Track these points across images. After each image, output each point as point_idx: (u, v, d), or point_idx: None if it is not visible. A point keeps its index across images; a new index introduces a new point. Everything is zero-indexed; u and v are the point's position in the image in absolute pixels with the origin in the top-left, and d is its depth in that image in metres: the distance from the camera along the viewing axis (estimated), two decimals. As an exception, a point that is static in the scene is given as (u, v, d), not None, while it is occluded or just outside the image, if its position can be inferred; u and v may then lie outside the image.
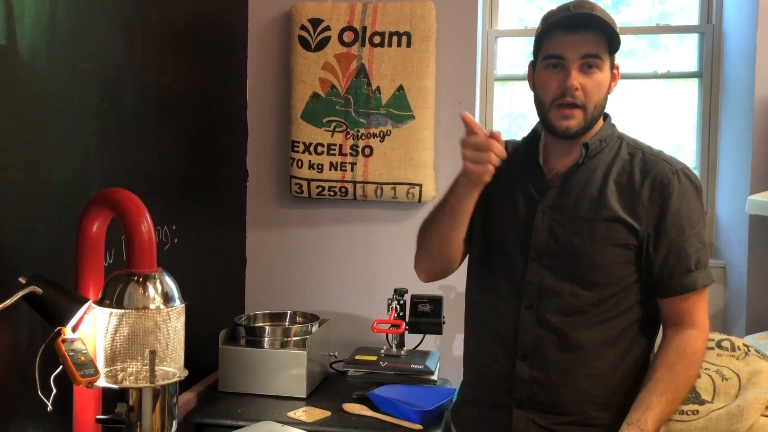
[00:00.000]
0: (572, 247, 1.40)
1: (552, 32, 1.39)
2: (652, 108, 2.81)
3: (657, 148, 1.48)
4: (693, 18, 2.74)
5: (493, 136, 1.33)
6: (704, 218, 1.43)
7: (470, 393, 1.54)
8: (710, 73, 2.69)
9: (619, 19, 2.82)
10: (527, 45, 2.87)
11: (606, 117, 1.50)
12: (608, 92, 1.43)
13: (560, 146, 1.46)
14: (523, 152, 1.52)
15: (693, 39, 2.76)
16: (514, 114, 2.87)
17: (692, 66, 2.75)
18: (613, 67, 1.43)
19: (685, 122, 2.79)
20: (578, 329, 1.39)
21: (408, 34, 2.57)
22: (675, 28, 2.77)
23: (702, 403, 1.97)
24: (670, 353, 1.37)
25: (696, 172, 2.74)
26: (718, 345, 2.15)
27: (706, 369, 2.04)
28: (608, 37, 1.38)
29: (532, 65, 1.48)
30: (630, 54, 2.80)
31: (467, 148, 1.35)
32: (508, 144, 1.62)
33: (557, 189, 1.43)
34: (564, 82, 1.37)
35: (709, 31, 2.69)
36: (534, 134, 1.55)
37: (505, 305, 1.45)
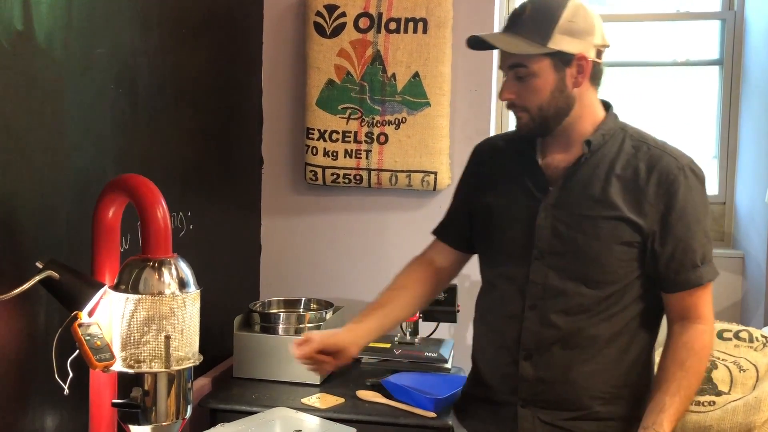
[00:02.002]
0: (577, 246, 1.38)
1: None
2: (671, 96, 2.77)
3: (661, 140, 1.44)
4: (714, 4, 2.70)
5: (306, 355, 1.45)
6: (709, 211, 1.42)
7: (476, 390, 1.54)
8: (731, 61, 2.64)
9: (640, 6, 2.79)
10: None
11: (608, 108, 1.47)
12: (566, 90, 1.36)
13: (558, 143, 1.43)
14: (518, 148, 1.48)
15: (713, 26, 2.71)
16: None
17: (712, 53, 2.71)
18: (567, 63, 1.35)
19: (705, 110, 2.75)
20: (582, 327, 1.38)
21: (424, 21, 2.55)
22: (696, 14, 2.73)
23: (719, 394, 1.96)
24: (680, 350, 1.35)
25: (715, 161, 2.71)
26: (736, 336, 2.14)
27: (723, 360, 2.03)
28: (534, 41, 1.33)
29: None
30: (649, 41, 2.77)
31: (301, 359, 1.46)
32: (496, 140, 1.62)
33: (559, 187, 1.40)
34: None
35: (731, 17, 2.64)
36: None
37: (508, 305, 1.44)
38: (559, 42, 1.33)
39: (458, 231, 1.58)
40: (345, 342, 1.47)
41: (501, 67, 1.40)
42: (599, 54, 1.39)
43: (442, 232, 1.62)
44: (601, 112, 1.44)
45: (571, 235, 1.38)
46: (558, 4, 1.34)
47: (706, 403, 1.94)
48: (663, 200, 1.35)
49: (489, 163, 1.54)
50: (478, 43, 1.38)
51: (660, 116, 2.79)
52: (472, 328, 1.58)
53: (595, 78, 1.41)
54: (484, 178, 1.53)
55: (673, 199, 1.35)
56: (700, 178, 1.39)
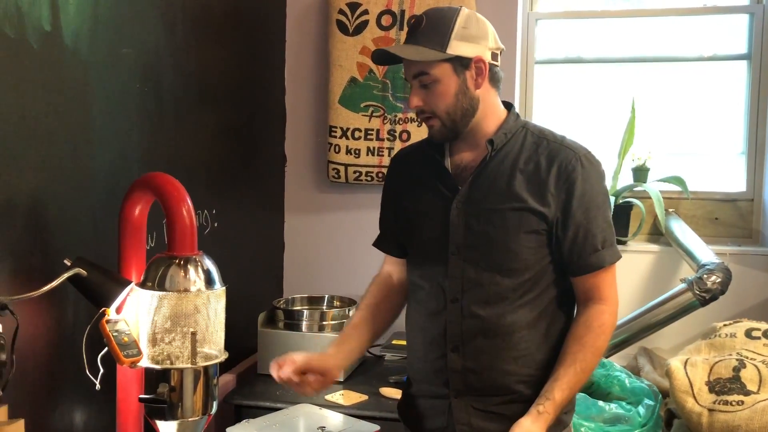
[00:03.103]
0: (488, 238, 1.45)
1: None
2: (698, 92, 2.74)
3: (560, 134, 1.51)
4: (742, -2, 2.65)
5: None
6: (609, 200, 1.49)
7: (413, 387, 1.60)
8: (760, 55, 2.60)
9: (667, 0, 2.75)
10: (568, 27, 2.82)
11: (510, 108, 1.54)
12: (469, 92, 1.44)
13: (465, 144, 1.51)
14: (427, 153, 1.56)
15: (741, 20, 2.67)
16: (555, 97, 2.81)
17: (740, 48, 2.66)
18: (465, 66, 1.43)
19: (732, 106, 2.71)
20: (502, 315, 1.45)
21: (447, 17, 2.54)
22: (724, 8, 2.69)
23: (747, 393, 1.93)
24: (579, 328, 1.43)
25: (743, 158, 2.67)
26: (765, 335, 2.10)
27: (752, 359, 2.00)
28: (433, 47, 1.41)
29: None
30: (676, 36, 2.73)
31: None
32: (410, 148, 1.69)
33: (468, 185, 1.48)
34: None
35: (759, 11, 2.60)
36: None
37: (432, 301, 1.51)
38: (456, 47, 1.41)
39: (392, 239, 1.65)
40: (330, 364, 1.54)
41: (406, 77, 1.47)
42: (495, 57, 1.47)
43: (380, 243, 1.70)
44: (503, 113, 1.51)
45: (482, 228, 1.45)
46: (451, 13, 1.43)
47: (734, 403, 1.91)
48: (563, 189, 1.42)
49: (403, 170, 1.62)
50: (382, 57, 1.46)
51: (687, 112, 2.75)
52: (405, 331, 1.63)
53: (494, 80, 1.48)
54: (401, 185, 1.61)
55: (572, 187, 1.42)
56: (596, 167, 1.47)
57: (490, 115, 1.48)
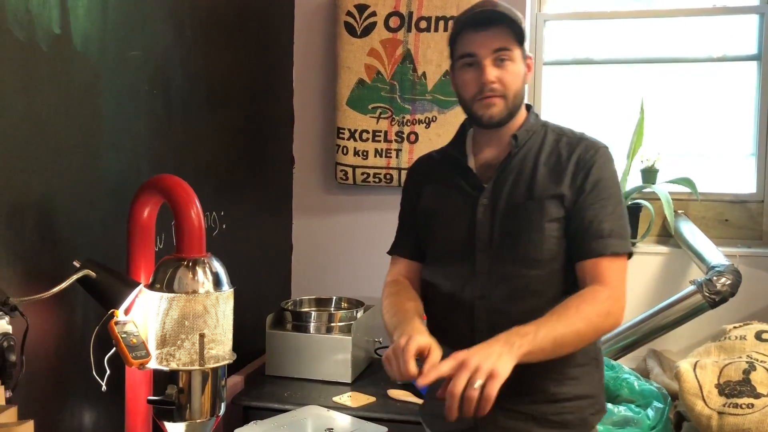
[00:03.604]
0: (514, 231, 1.46)
1: (463, 32, 1.47)
2: (707, 92, 2.72)
3: (579, 131, 1.54)
4: (752, -2, 2.64)
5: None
6: (622, 196, 1.49)
7: (434, 386, 1.54)
8: (770, 56, 2.59)
9: (675, 1, 2.74)
10: (576, 28, 2.81)
11: (529, 108, 1.56)
12: (524, 82, 1.50)
13: (489, 139, 1.53)
14: (449, 155, 1.58)
15: (751, 20, 2.65)
16: (563, 99, 2.81)
17: (749, 49, 2.65)
18: (525, 57, 1.49)
19: (742, 107, 2.69)
20: (530, 311, 1.41)
21: (455, 19, 2.54)
22: (733, 9, 2.67)
23: (758, 396, 1.92)
24: (571, 298, 1.37)
25: (753, 159, 2.66)
26: (776, 337, 2.08)
27: (762, 362, 1.99)
28: (514, 30, 1.45)
29: (451, 68, 1.55)
30: (685, 37, 2.72)
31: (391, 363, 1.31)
32: (429, 154, 1.68)
33: (493, 182, 1.50)
34: (480, 78, 1.45)
35: (769, 11, 2.58)
36: (461, 132, 1.61)
37: (458, 300, 1.50)
38: (524, 38, 1.47)
39: (412, 243, 1.64)
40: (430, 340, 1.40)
41: (480, 51, 1.45)
42: None
43: (398, 247, 1.67)
44: (524, 112, 1.55)
45: (508, 223, 1.46)
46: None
47: (744, 406, 1.90)
48: (580, 176, 1.45)
49: (424, 175, 1.63)
50: (478, 18, 1.44)
51: (696, 113, 2.74)
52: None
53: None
54: (423, 189, 1.61)
55: (588, 173, 1.45)
56: (612, 161, 1.49)
57: (519, 112, 1.52)
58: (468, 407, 1.20)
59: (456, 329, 1.50)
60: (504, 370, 1.22)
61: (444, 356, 1.31)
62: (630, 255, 1.45)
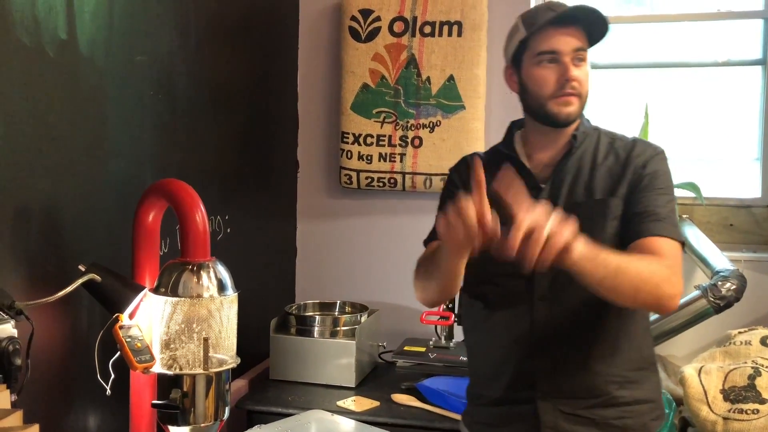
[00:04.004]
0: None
1: (542, 30, 1.46)
2: (712, 97, 2.72)
3: (631, 135, 1.56)
4: (756, 3, 2.64)
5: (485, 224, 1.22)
6: (674, 194, 1.50)
7: (487, 393, 1.54)
8: (775, 60, 2.58)
9: (679, 6, 2.74)
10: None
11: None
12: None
13: (546, 139, 1.52)
14: (503, 155, 1.56)
15: (756, 25, 2.65)
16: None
17: (754, 53, 2.65)
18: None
19: (746, 111, 2.69)
20: (592, 313, 1.42)
21: (459, 24, 2.54)
22: (737, 13, 2.67)
23: (763, 402, 1.91)
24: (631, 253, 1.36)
25: (758, 163, 2.65)
26: (781, 342, 2.07)
27: (767, 367, 1.98)
28: (589, 32, 1.47)
29: (514, 66, 1.53)
30: (689, 42, 2.72)
31: (457, 224, 1.22)
32: (472, 155, 1.62)
33: (551, 182, 1.49)
34: (563, 75, 1.44)
35: (774, 16, 2.58)
36: (509, 135, 1.60)
37: (515, 301, 1.48)
38: (601, 40, 1.49)
39: None
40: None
41: (563, 49, 1.44)
42: None
43: (435, 234, 1.59)
44: None
45: None
46: None
47: (749, 411, 1.89)
48: (638, 172, 1.46)
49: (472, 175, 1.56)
50: (566, 20, 1.43)
51: (701, 118, 2.73)
52: (467, 336, 1.59)
53: None
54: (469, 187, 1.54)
55: (644, 169, 1.46)
56: (668, 162, 1.51)
57: None
58: (532, 249, 1.15)
59: (513, 330, 1.47)
60: (576, 243, 1.19)
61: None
62: (683, 245, 1.43)
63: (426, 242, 1.65)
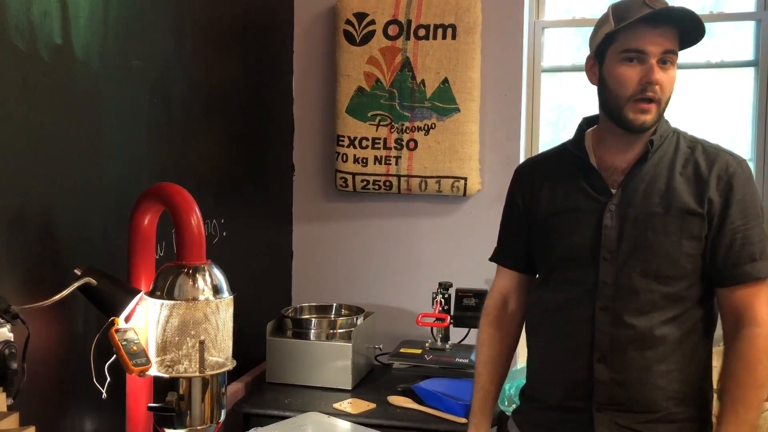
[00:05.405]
0: (647, 243, 1.39)
1: (632, 26, 1.37)
2: (705, 98, 2.73)
3: (713, 142, 1.48)
4: (749, 5, 2.65)
5: None
6: (763, 213, 1.43)
7: (543, 397, 1.52)
8: (767, 62, 2.59)
9: (671, 8, 2.75)
10: (574, 36, 2.82)
11: None
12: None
13: (621, 143, 1.45)
14: (571, 156, 1.50)
15: (748, 27, 2.67)
16: (562, 106, 2.82)
17: (746, 55, 2.66)
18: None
19: (739, 113, 2.70)
20: (655, 326, 1.39)
21: (453, 27, 2.56)
22: (730, 15, 2.69)
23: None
24: (734, 362, 1.37)
25: (751, 165, 2.66)
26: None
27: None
28: (681, 33, 1.40)
29: (597, 58, 1.46)
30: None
31: None
32: (535, 158, 1.63)
33: (622, 187, 1.42)
34: (646, 76, 1.37)
35: (766, 17, 2.60)
36: (580, 134, 1.53)
37: (577, 308, 1.44)
38: (695, 43, 1.43)
39: (519, 252, 1.59)
40: None
41: (652, 49, 1.37)
42: None
43: (502, 258, 1.63)
44: None
45: (640, 233, 1.39)
46: None
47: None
48: (723, 192, 1.38)
49: (536, 178, 1.55)
50: (659, 18, 1.36)
51: (694, 119, 2.74)
52: (528, 339, 1.57)
53: None
54: (535, 193, 1.53)
55: (732, 190, 1.38)
56: (752, 176, 1.44)
57: None
58: None
59: (573, 338, 1.44)
60: None
61: None
62: None
63: (493, 261, 1.65)
